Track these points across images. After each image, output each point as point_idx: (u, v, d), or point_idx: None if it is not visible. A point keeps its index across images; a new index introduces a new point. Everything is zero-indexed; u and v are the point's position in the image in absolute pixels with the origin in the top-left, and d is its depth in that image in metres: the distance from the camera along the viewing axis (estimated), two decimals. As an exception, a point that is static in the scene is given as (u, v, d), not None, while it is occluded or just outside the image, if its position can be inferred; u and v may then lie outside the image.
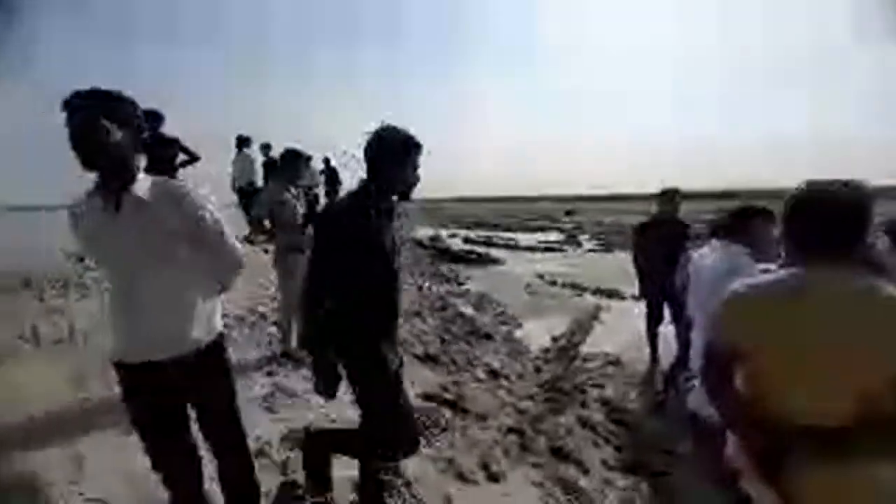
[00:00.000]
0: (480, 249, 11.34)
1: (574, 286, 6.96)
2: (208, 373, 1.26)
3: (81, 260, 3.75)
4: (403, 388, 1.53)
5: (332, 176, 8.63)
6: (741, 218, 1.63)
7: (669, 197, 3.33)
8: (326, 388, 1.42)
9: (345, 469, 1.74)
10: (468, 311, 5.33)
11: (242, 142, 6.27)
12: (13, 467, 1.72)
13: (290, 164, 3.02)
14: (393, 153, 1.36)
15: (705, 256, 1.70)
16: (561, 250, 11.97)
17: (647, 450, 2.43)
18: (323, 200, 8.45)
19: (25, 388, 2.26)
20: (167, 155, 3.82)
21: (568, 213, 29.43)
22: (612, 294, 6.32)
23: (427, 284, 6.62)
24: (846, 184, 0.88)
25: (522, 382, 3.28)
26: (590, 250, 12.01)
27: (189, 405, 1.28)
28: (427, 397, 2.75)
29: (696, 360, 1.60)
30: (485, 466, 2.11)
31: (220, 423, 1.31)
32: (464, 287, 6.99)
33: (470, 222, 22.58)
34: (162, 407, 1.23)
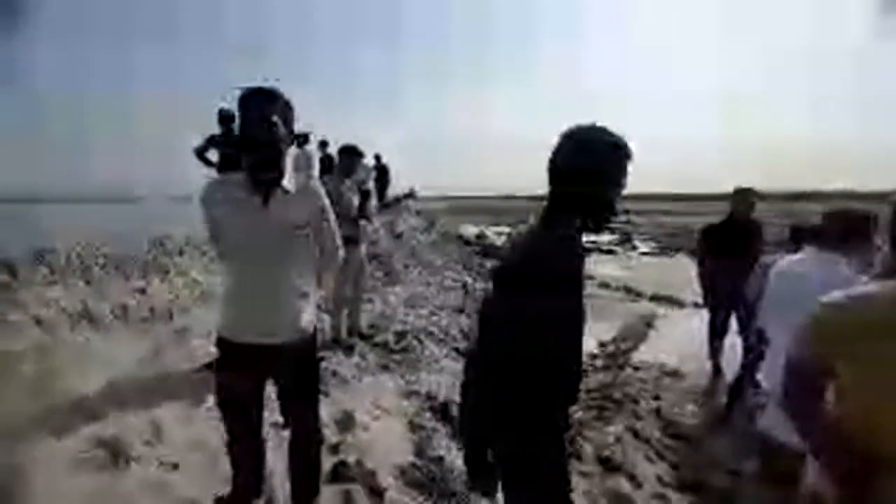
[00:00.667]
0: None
1: (628, 290, 6.61)
2: (305, 359, 1.36)
3: (162, 245, 4.16)
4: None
5: (381, 172, 8.88)
6: (838, 223, 1.43)
7: (744, 197, 3.04)
8: (486, 489, 1.06)
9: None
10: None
11: (302, 138, 6.61)
12: (96, 430, 1.95)
13: (346, 160, 3.17)
14: (609, 163, 0.96)
15: (796, 265, 1.52)
16: (613, 252, 11.43)
17: (706, 468, 2.25)
18: (374, 195, 8.72)
19: (114, 360, 2.56)
20: (240, 154, 4.12)
21: (624, 212, 27.88)
22: (671, 301, 5.92)
23: (472, 282, 6.60)
24: None
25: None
26: (646, 253, 11.34)
27: (274, 386, 1.38)
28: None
29: (769, 377, 1.45)
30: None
31: (303, 406, 1.41)
32: (509, 286, 6.89)
33: (517, 220, 22.25)
34: (252, 386, 1.33)
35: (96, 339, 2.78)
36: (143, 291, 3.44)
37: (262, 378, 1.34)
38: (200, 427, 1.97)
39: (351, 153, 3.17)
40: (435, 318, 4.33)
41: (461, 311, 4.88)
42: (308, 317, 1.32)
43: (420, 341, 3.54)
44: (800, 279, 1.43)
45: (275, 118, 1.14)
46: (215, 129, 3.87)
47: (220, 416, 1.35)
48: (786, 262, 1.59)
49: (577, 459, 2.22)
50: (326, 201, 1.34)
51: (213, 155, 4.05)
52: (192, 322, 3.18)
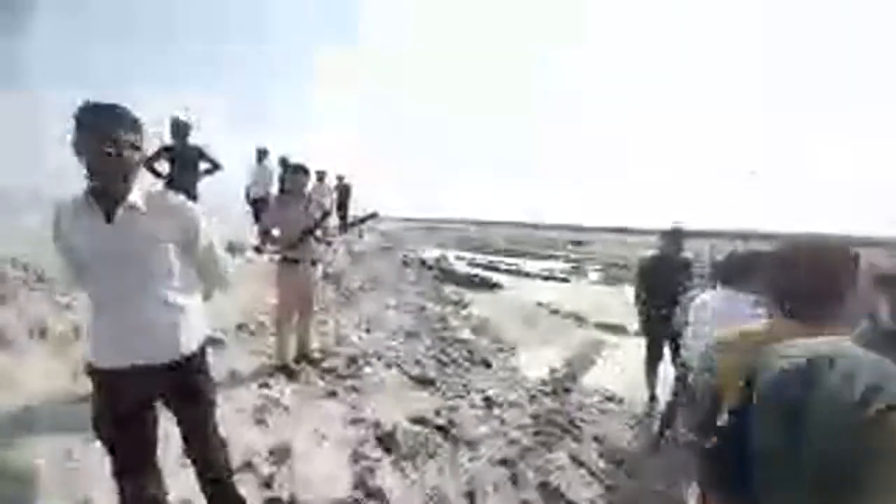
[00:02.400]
0: (485, 273, 11.34)
1: (577, 318, 6.90)
2: (192, 379, 1.30)
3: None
4: None
5: (343, 192, 8.82)
6: (737, 263, 1.64)
7: (674, 235, 3.35)
8: None
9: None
10: (467, 335, 5.30)
11: (262, 154, 6.48)
12: (3, 458, 1.74)
13: (292, 178, 3.11)
14: None
15: (707, 301, 1.71)
16: (566, 280, 11.91)
17: (640, 492, 2.36)
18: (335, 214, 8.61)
19: (27, 383, 2.31)
20: (190, 163, 3.98)
21: (575, 243, 29.29)
22: (617, 329, 6.25)
23: (429, 305, 6.62)
24: (819, 240, 0.92)
25: (516, 412, 3.23)
26: (595, 282, 11.93)
27: (171, 413, 1.31)
28: (417, 421, 2.72)
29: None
30: (470, 497, 2.07)
31: (197, 430, 1.35)
32: (465, 311, 6.97)
33: (476, 246, 22.67)
34: (136, 413, 1.24)
35: (8, 361, 2.50)
36: (66, 306, 3.15)
37: (144, 404, 1.26)
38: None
39: (297, 171, 3.11)
40: (389, 342, 4.29)
41: (415, 335, 4.86)
42: (188, 335, 1.27)
43: (372, 366, 3.49)
44: (709, 314, 1.62)
45: (114, 136, 1.09)
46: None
47: (106, 449, 1.24)
48: (700, 299, 1.79)
49: (517, 487, 2.25)
50: (200, 222, 1.28)
51: (162, 165, 3.89)
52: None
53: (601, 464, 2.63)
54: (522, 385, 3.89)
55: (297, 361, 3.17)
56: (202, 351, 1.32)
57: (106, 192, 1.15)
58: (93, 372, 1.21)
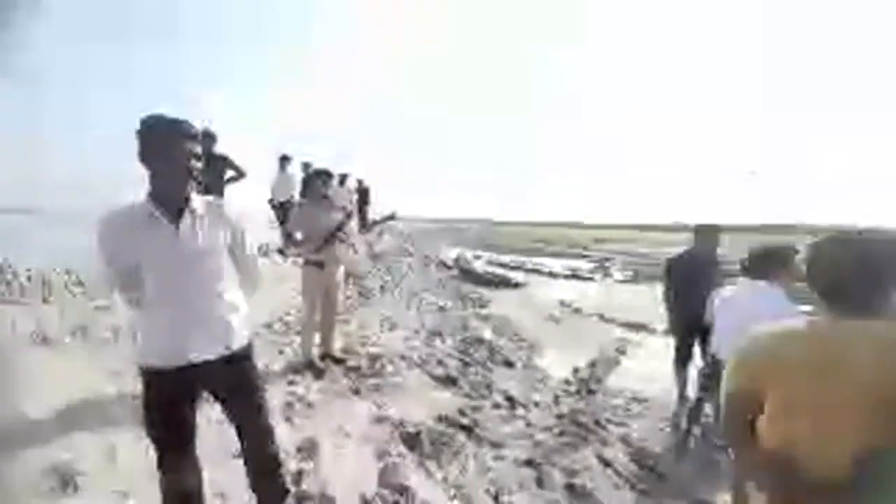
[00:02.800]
0: (505, 273, 11.25)
1: (601, 316, 6.75)
2: (245, 371, 1.37)
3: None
4: None
5: (363, 194, 8.94)
6: (765, 259, 1.57)
7: (706, 232, 3.23)
8: None
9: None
10: (489, 335, 5.27)
11: (285, 160, 6.64)
12: (48, 455, 1.84)
13: (316, 183, 3.19)
14: None
15: (733, 295, 1.65)
16: (589, 279, 11.69)
17: (672, 496, 2.28)
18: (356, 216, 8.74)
19: (70, 382, 2.43)
20: (217, 172, 4.11)
21: (597, 241, 28.59)
22: (642, 328, 6.08)
23: (449, 305, 6.62)
24: (861, 233, 0.87)
25: (540, 413, 3.18)
26: (620, 281, 11.65)
27: (223, 406, 1.38)
28: (441, 420, 2.72)
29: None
30: (496, 497, 2.05)
31: (251, 416, 1.40)
32: (486, 311, 6.93)
33: (495, 245, 22.55)
34: (185, 409, 1.31)
35: (52, 360, 2.64)
36: (107, 309, 3.31)
37: (193, 400, 1.33)
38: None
39: (321, 175, 3.20)
40: (411, 341, 4.31)
41: (438, 334, 4.87)
42: (238, 332, 1.35)
43: (394, 365, 3.51)
44: (735, 308, 1.55)
45: (187, 144, 1.19)
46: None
47: (155, 448, 1.31)
48: (725, 292, 1.72)
49: (543, 488, 2.21)
50: (241, 225, 1.38)
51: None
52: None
53: (630, 465, 2.56)
54: (546, 385, 3.83)
55: (321, 360, 3.23)
56: (250, 345, 1.40)
57: (172, 199, 1.23)
58: (146, 372, 1.26)
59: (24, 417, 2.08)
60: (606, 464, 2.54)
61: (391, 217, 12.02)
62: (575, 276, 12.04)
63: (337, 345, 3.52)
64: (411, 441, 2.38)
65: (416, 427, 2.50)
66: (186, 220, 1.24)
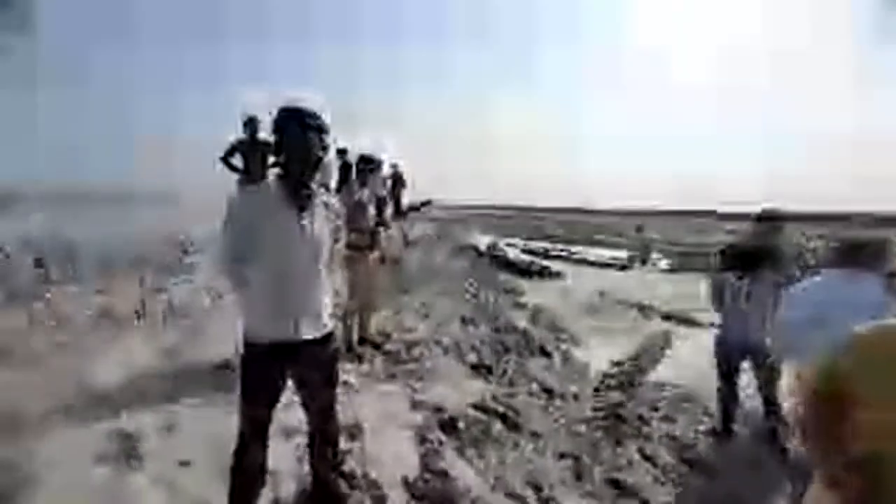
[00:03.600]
0: (540, 261, 11.03)
1: (643, 307, 6.47)
2: (328, 354, 1.45)
3: (185, 251, 4.29)
4: None
5: (397, 180, 8.99)
6: (859, 249, 1.40)
7: (769, 220, 2.97)
8: None
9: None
10: (524, 324, 5.19)
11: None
12: (114, 424, 2.00)
13: (363, 169, 3.22)
14: None
15: (812, 286, 1.49)
16: (629, 268, 11.23)
17: (717, 494, 2.17)
18: (390, 203, 8.82)
19: (132, 357, 2.63)
20: (261, 156, 4.24)
21: (638, 228, 27.20)
22: (688, 320, 5.77)
23: (483, 293, 6.57)
24: None
25: (579, 405, 3.11)
26: (664, 270, 11.11)
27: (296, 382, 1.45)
28: (477, 408, 2.72)
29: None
30: (536, 488, 2.03)
31: (325, 396, 1.49)
32: (521, 299, 6.83)
33: (529, 232, 22.12)
34: (278, 384, 1.40)
35: (116, 336, 2.87)
36: (163, 290, 3.54)
37: (287, 375, 1.42)
38: (214, 424, 2.01)
39: (368, 162, 3.23)
40: (445, 329, 4.32)
41: (471, 321, 4.86)
42: (328, 315, 1.45)
43: (429, 352, 3.54)
44: (822, 298, 1.40)
45: (319, 137, 1.28)
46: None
47: (240, 412, 1.39)
48: (815, 284, 1.55)
49: (583, 481, 2.17)
50: (340, 221, 1.49)
51: (237, 160, 4.18)
52: (207, 321, 3.27)
53: (673, 461, 2.45)
54: (584, 377, 3.74)
55: (359, 345, 3.31)
56: (335, 329, 1.50)
57: (297, 185, 1.32)
58: (253, 346, 1.35)
59: (92, 390, 2.28)
60: (648, 459, 2.45)
61: (427, 203, 12.06)
62: (614, 264, 11.61)
63: (375, 330, 3.59)
64: (449, 428, 2.40)
65: (454, 414, 2.51)
66: (309, 207, 1.34)
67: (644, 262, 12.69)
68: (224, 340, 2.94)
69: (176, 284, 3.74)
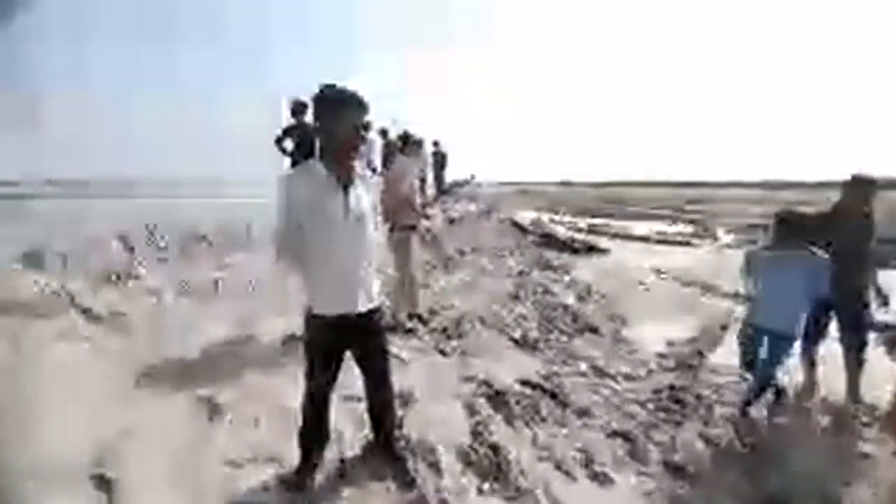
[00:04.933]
0: (585, 237, 10.61)
1: (702, 285, 6.07)
2: (378, 323, 1.54)
3: (248, 231, 4.60)
4: None
5: (439, 158, 8.93)
6: None
7: (860, 186, 2.62)
8: None
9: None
10: (570, 301, 5.07)
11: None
12: (195, 388, 2.23)
13: (408, 147, 3.23)
14: None
15: None
16: (686, 243, 10.52)
17: (792, 488, 2.04)
18: (433, 181, 8.82)
19: (207, 327, 2.91)
20: (308, 138, 4.37)
21: (693, 201, 25.15)
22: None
23: (526, 269, 6.48)
24: None
25: (631, 385, 3.02)
26: (727, 245, 10.30)
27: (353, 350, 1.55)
28: (524, 383, 2.73)
29: None
30: (587, 464, 2.02)
31: (381, 362, 1.60)
32: (568, 276, 6.66)
33: (573, 208, 21.26)
34: (338, 354, 1.50)
35: (193, 307, 3.18)
36: (232, 268, 3.85)
37: (347, 345, 1.50)
38: (283, 389, 2.20)
39: (409, 141, 3.24)
40: (490, 306, 4.33)
41: (515, 297, 4.83)
42: (377, 287, 1.52)
43: (474, 328, 3.57)
44: None
45: (360, 120, 1.32)
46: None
47: (306, 378, 1.51)
48: None
49: (637, 461, 2.12)
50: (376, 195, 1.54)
51: (288, 144, 4.35)
52: (271, 295, 3.55)
53: (736, 446, 2.33)
54: (636, 357, 3.61)
55: (414, 317, 3.41)
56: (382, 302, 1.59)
57: (345, 165, 1.37)
58: (316, 318, 1.44)
59: (176, 357, 2.55)
60: (709, 442, 2.35)
61: (469, 181, 11.94)
62: (669, 240, 10.92)
63: (421, 306, 3.68)
64: (497, 401, 2.44)
65: (501, 388, 2.54)
66: (354, 184, 1.39)
67: (704, 236, 11.82)
68: (289, 314, 3.18)
69: (243, 262, 4.05)
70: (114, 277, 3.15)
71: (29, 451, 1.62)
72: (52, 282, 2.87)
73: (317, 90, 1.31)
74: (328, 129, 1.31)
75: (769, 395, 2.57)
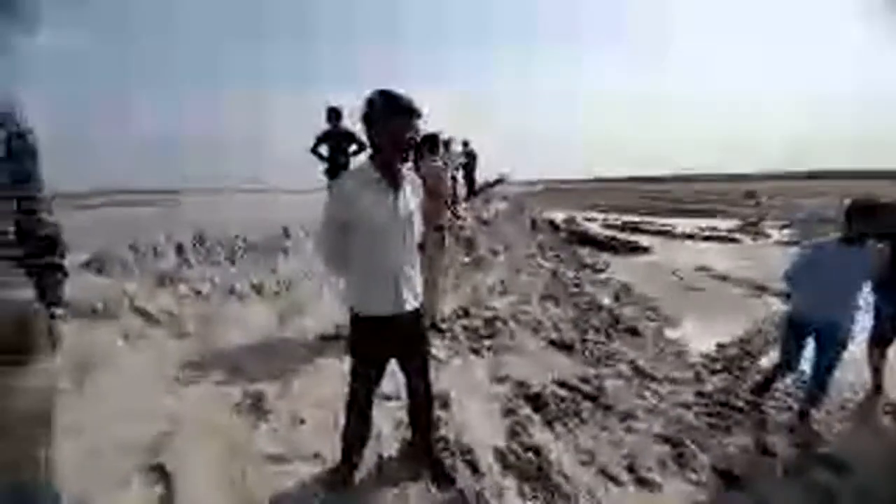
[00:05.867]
0: (622, 235, 10.23)
1: (752, 285, 5.69)
2: (422, 322, 1.57)
3: (287, 235, 4.78)
4: None
5: (470, 158, 8.91)
6: None
7: None
8: None
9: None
10: (608, 301, 4.90)
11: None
12: (241, 383, 2.34)
13: (432, 147, 3.20)
14: None
15: None
16: (732, 240, 9.91)
17: (858, 499, 1.86)
18: (463, 181, 8.81)
19: (251, 326, 3.05)
20: (344, 145, 4.50)
21: (749, 194, 23.36)
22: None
23: (561, 269, 6.33)
24: None
25: (676, 388, 2.87)
26: (778, 242, 9.60)
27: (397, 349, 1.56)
28: (562, 385, 2.66)
29: None
30: (631, 469, 1.94)
31: (423, 361, 1.61)
32: (603, 275, 6.45)
33: (608, 205, 20.54)
34: (386, 354, 1.53)
35: (239, 309, 3.35)
36: (273, 270, 4.02)
37: (393, 345, 1.52)
38: (322, 387, 2.26)
39: (435, 142, 3.20)
40: (523, 305, 4.26)
41: (550, 297, 4.72)
42: (420, 287, 1.54)
43: (508, 328, 3.53)
44: None
45: (413, 125, 1.34)
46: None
47: (351, 377, 1.54)
48: None
49: (685, 467, 2.01)
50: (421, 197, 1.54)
51: (323, 150, 4.49)
52: (309, 295, 3.67)
53: (793, 454, 2.16)
54: (681, 359, 3.43)
55: (442, 320, 3.41)
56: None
57: (392, 166, 1.40)
58: (363, 319, 1.47)
59: (222, 354, 2.70)
60: (764, 451, 2.18)
61: (500, 180, 11.82)
62: (717, 237, 10.33)
63: (455, 306, 3.68)
64: (534, 402, 2.39)
65: (537, 390, 2.49)
66: (402, 186, 1.42)
67: (756, 232, 11.09)
68: (328, 315, 3.29)
69: (283, 266, 4.22)
70: (167, 281, 3.37)
71: (91, 438, 1.77)
72: (113, 285, 3.11)
73: (368, 96, 1.34)
74: (381, 134, 1.33)
75: (827, 397, 2.37)
